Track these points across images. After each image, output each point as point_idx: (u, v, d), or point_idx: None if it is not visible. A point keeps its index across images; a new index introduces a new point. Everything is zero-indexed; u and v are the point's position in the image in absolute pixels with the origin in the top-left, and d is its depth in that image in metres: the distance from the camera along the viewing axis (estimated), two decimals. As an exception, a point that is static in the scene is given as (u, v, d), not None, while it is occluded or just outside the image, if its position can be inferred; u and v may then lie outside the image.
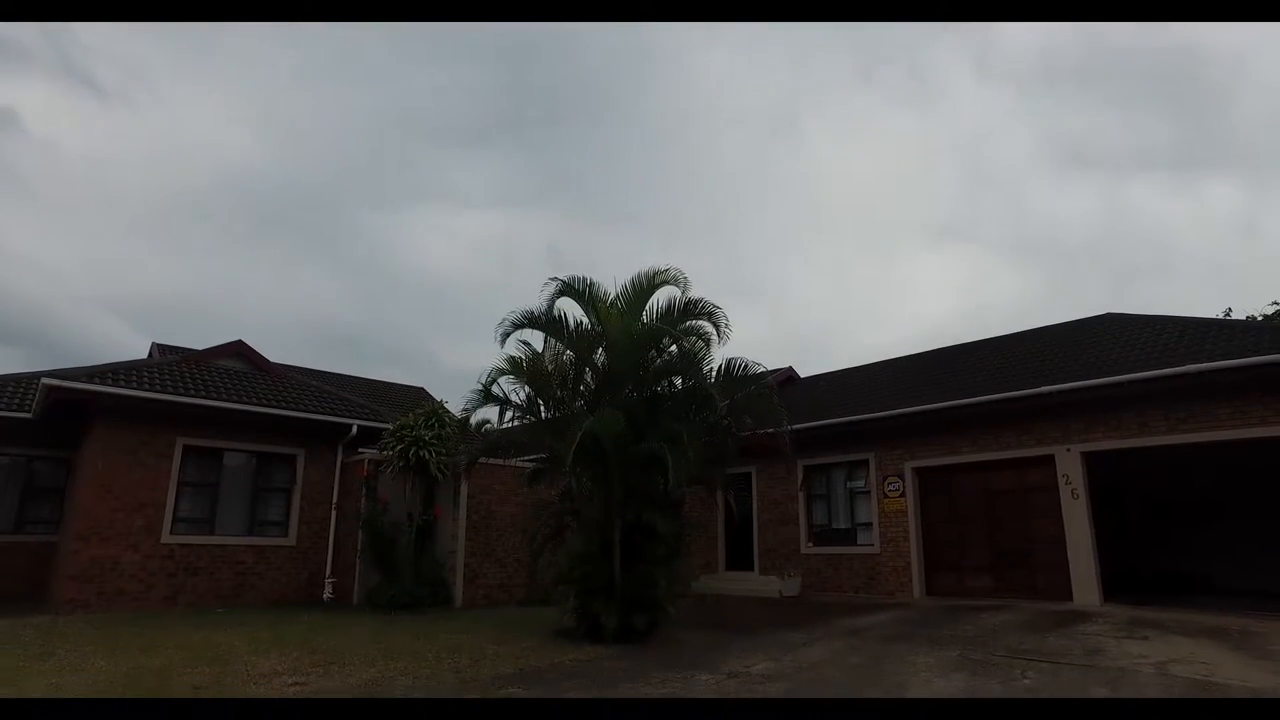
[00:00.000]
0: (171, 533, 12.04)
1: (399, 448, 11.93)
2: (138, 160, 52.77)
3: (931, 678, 6.04)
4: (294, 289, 62.04)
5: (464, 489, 12.46)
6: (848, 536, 14.29)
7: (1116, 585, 11.73)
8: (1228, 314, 26.54)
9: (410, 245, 63.77)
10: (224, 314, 55.48)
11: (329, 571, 13.34)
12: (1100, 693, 5.36)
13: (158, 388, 12.14)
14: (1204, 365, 10.00)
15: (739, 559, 15.72)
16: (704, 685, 5.90)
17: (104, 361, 14.15)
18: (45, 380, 11.27)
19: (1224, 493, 14.17)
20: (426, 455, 11.83)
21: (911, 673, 6.27)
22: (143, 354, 18.48)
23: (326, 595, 13.08)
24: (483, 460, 11.05)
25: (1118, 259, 57.60)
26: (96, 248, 54.34)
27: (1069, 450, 11.55)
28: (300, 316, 60.98)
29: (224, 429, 12.78)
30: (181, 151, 49.47)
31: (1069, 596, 11.13)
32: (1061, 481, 11.56)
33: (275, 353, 15.94)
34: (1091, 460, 11.53)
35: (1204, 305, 55.18)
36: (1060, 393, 11.26)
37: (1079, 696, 5.30)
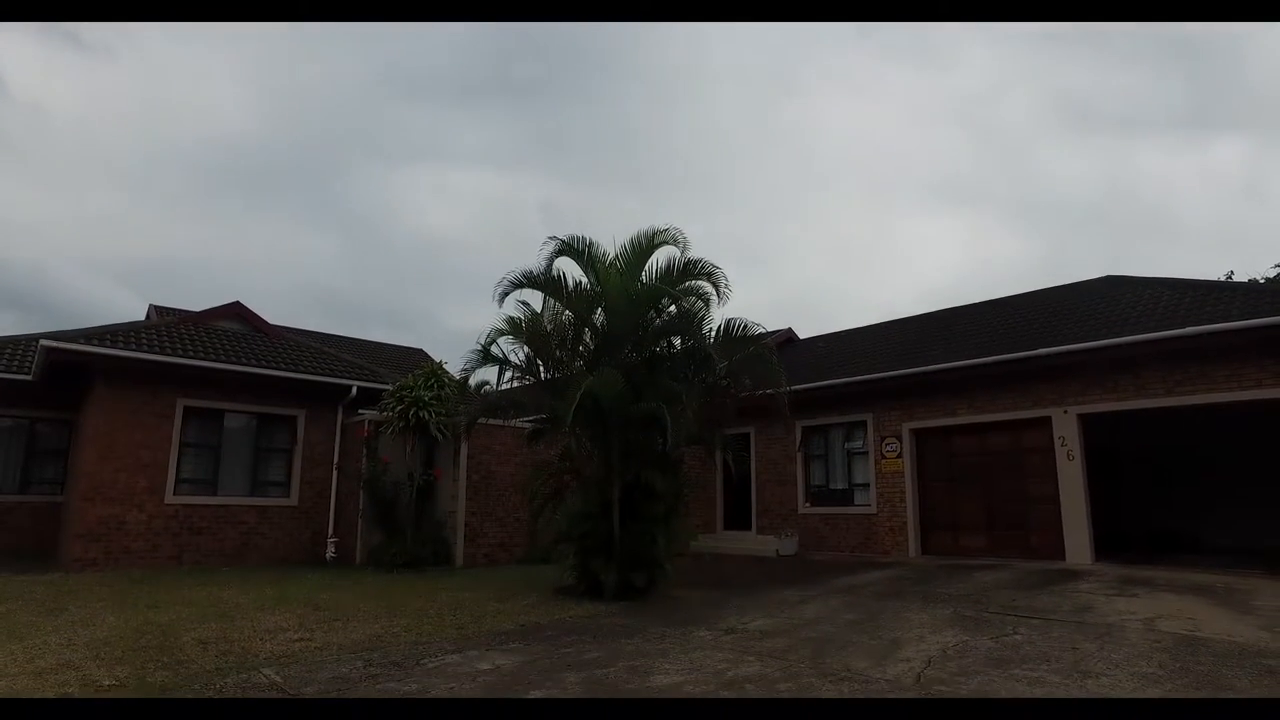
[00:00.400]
0: (175, 493, 12.16)
1: (399, 408, 11.97)
2: (127, 121, 51.94)
3: (925, 633, 6.16)
4: (289, 251, 61.61)
5: (464, 449, 12.55)
6: (845, 497, 14.45)
7: (1108, 544, 11.90)
8: (1229, 277, 26.46)
9: (406, 206, 63.18)
10: (219, 277, 55.21)
11: (331, 531, 13.50)
12: (1089, 648, 5.47)
13: (156, 349, 12.14)
14: (1202, 328, 9.99)
15: (737, 519, 15.92)
16: (702, 640, 6.02)
17: (101, 323, 14.12)
18: (43, 342, 11.26)
19: (1214, 453, 14.30)
20: (426, 416, 11.88)
21: (906, 629, 6.39)
22: (139, 316, 18.44)
23: (329, 555, 13.26)
24: (482, 421, 11.10)
25: (1120, 221, 57.19)
26: (89, 210, 53.77)
27: (1065, 412, 11.62)
28: (296, 279, 60.68)
29: (224, 390, 12.82)
30: (170, 112, 48.65)
31: (1061, 556, 11.30)
32: (1057, 443, 11.65)
33: (272, 315, 15.91)
34: (1087, 422, 11.60)
35: (1207, 268, 54.96)
36: (1058, 355, 11.28)
37: (1069, 652, 5.41)
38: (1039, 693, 4.32)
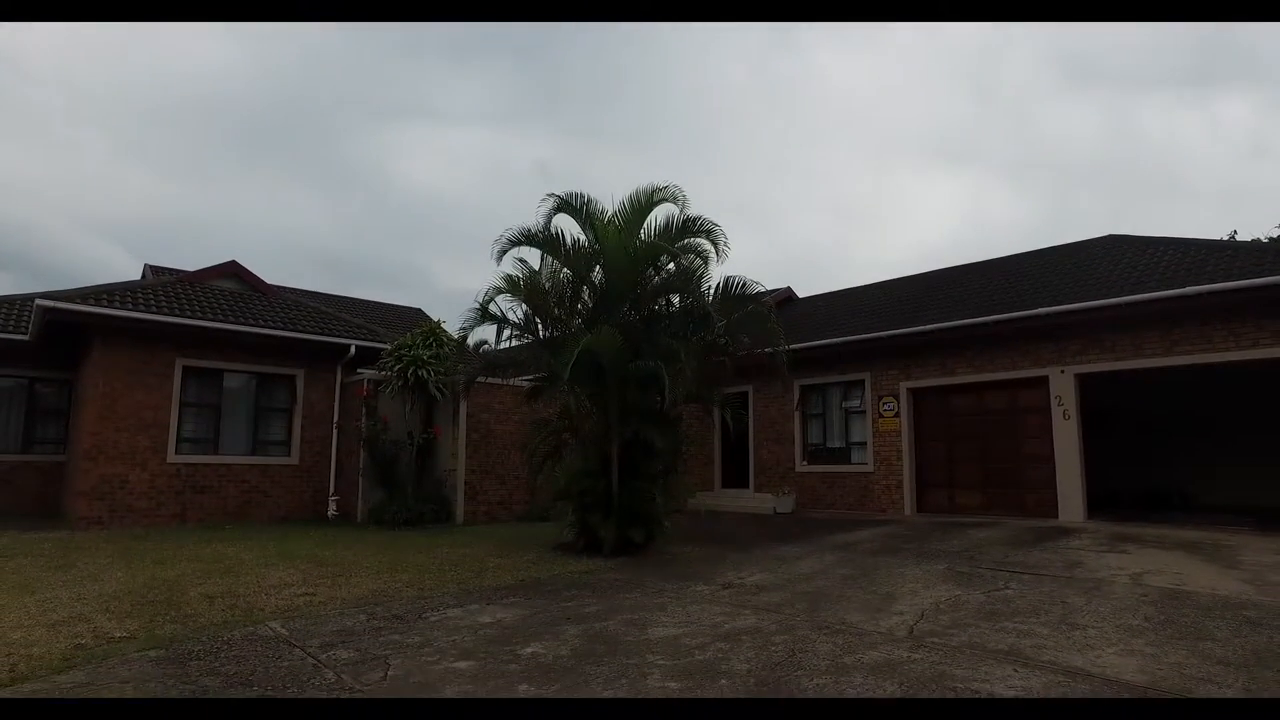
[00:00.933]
0: (177, 452, 12.26)
1: (397, 367, 12.01)
2: (117, 80, 50.90)
3: (918, 588, 6.28)
4: (284, 211, 61.01)
5: (463, 408, 12.62)
6: (842, 455, 14.57)
7: (1102, 503, 12.06)
8: (1233, 236, 26.31)
9: (403, 164, 62.37)
10: (215, 236, 54.78)
11: (332, 489, 13.64)
12: (1077, 602, 5.59)
13: (154, 309, 12.11)
14: (1201, 287, 9.97)
15: (735, 477, 16.09)
16: (699, 595, 6.14)
17: (94, 283, 14.05)
18: (40, 302, 11.22)
19: (1207, 412, 14.41)
20: (425, 375, 11.92)
21: (900, 584, 6.52)
22: (133, 275, 18.36)
23: (331, 512, 13.42)
24: (481, 379, 11.14)
25: (1124, 181, 56.61)
26: (80, 169, 53.05)
27: (1063, 372, 11.66)
28: (291, 238, 60.23)
29: (223, 350, 12.83)
30: (162, 70, 47.66)
31: (1055, 514, 11.45)
32: (1054, 402, 11.71)
33: (269, 275, 15.87)
34: (1084, 382, 11.64)
35: (1212, 228, 54.61)
36: (1056, 314, 11.28)
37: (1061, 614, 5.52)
38: (1027, 644, 4.43)
